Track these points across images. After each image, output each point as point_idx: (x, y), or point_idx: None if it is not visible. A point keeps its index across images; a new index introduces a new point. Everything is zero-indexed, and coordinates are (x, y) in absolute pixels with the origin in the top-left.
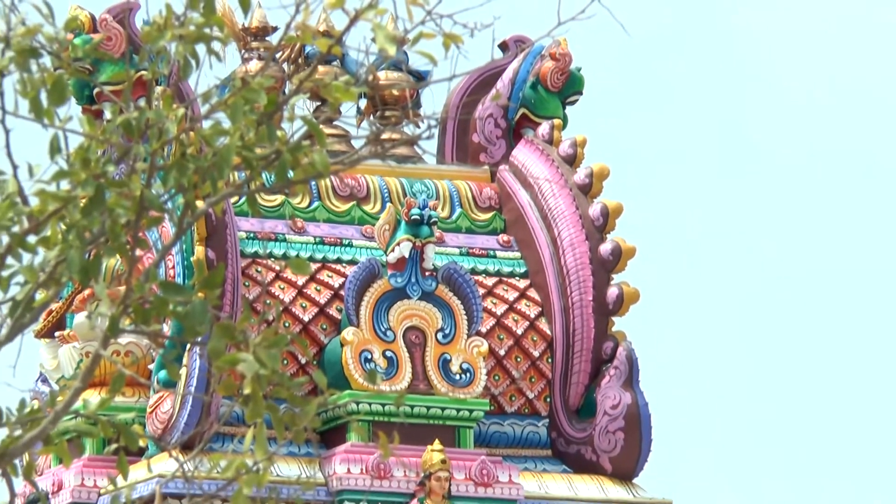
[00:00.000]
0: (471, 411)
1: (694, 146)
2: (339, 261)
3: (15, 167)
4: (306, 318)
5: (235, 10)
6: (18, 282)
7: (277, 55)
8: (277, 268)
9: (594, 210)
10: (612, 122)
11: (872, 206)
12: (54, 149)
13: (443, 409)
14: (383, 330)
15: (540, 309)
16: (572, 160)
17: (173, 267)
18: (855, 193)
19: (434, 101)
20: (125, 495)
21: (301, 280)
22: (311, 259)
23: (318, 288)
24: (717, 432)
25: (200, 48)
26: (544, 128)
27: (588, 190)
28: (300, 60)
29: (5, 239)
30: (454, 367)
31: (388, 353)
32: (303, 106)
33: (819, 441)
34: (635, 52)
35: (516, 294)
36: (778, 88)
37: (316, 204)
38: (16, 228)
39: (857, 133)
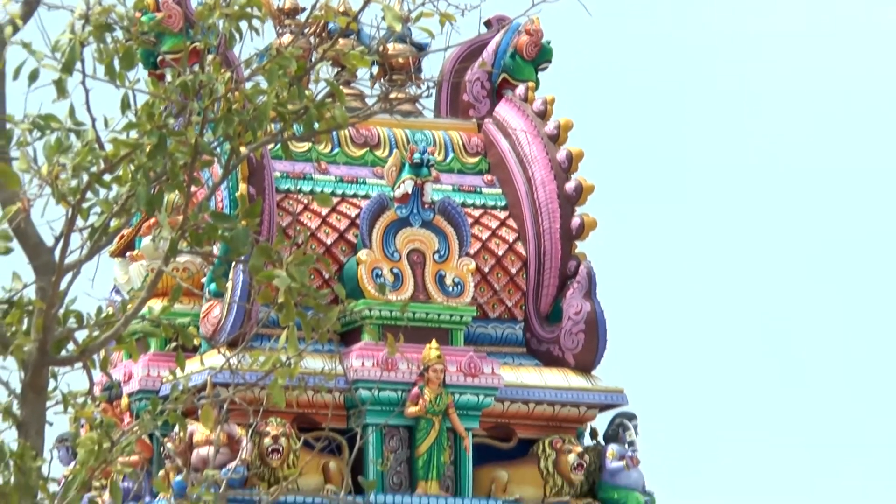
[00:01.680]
0: (461, 317)
1: (646, 100)
2: (355, 196)
3: (93, 119)
4: (328, 242)
5: None
6: (96, 212)
7: (305, 30)
8: (305, 201)
9: (561, 155)
10: (575, 85)
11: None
12: (125, 105)
13: (438, 314)
14: (391, 251)
15: (517, 235)
16: (543, 115)
17: (221, 200)
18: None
19: (432, 67)
20: (182, 384)
21: (324, 211)
22: (333, 194)
23: (338, 217)
24: (661, 335)
25: (243, 24)
26: (521, 89)
27: (556, 139)
28: (324, 34)
29: (86, 177)
30: (448, 281)
31: (395, 270)
32: (326, 71)
33: (747, 337)
34: (596, 27)
35: (497, 223)
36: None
37: (336, 150)
38: (94, 169)
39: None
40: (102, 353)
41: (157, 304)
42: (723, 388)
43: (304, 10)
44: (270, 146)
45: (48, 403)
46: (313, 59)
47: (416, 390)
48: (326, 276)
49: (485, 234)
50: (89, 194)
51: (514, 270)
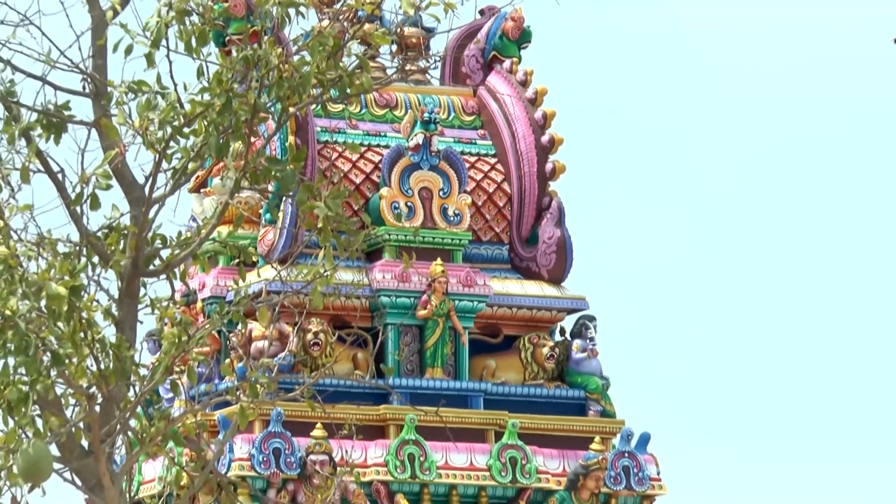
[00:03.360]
0: (460, 240)
1: (607, 72)
2: (378, 146)
3: (175, 85)
4: (357, 181)
5: None
6: (177, 157)
7: (340, 16)
8: (339, 149)
9: (538, 115)
10: (550, 59)
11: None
12: (199, 73)
13: (442, 238)
14: (405, 189)
15: (503, 176)
16: (524, 83)
17: (275, 148)
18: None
19: (437, 45)
20: (243, 291)
21: (354, 157)
22: (361, 144)
23: (365, 162)
24: (619, 253)
25: (291, 11)
26: (507, 63)
27: (534, 102)
28: (354, 19)
29: (169, 130)
30: (449, 213)
31: (409, 204)
32: (355, 48)
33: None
34: (567, 14)
35: (488, 167)
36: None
37: (363, 110)
38: (175, 123)
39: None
40: (182, 267)
41: (224, 230)
42: (669, 295)
43: (339, 0)
44: (312, 106)
45: (139, 306)
46: (346, 39)
47: (425, 297)
48: (356, 207)
49: (478, 176)
50: (172, 143)
51: (501, 204)
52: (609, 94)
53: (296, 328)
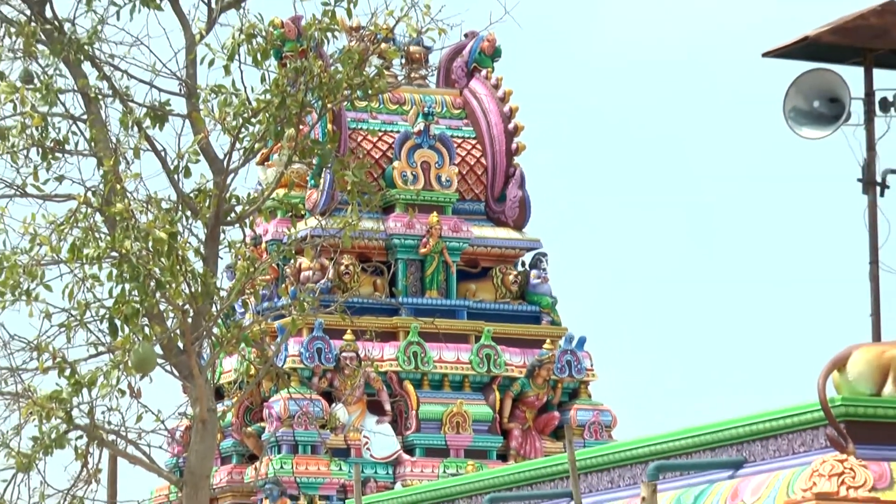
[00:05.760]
0: (450, 199)
1: (561, 81)
2: (391, 131)
3: (245, 87)
4: (377, 156)
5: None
6: (247, 139)
7: (364, 37)
8: (363, 134)
9: (506, 109)
10: (515, 70)
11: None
12: (262, 79)
13: (437, 198)
14: (411, 162)
15: (481, 153)
16: (497, 86)
17: (317, 132)
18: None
19: (434, 59)
20: (295, 235)
21: (374, 139)
22: (379, 130)
23: (382, 143)
24: (567, 207)
25: (329, 34)
26: (484, 72)
27: (504, 100)
28: (374, 39)
29: (241, 120)
30: (442, 179)
31: (413, 173)
32: (374, 60)
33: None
34: (530, 37)
35: (470, 146)
36: None
37: (381, 106)
38: (245, 115)
39: None
40: (251, 218)
41: (281, 192)
42: (605, 235)
43: (362, 26)
44: (344, 103)
45: (220, 247)
46: (368, 54)
47: (425, 240)
48: (375, 175)
49: (463, 153)
50: (243, 130)
51: (479, 173)
52: (560, 93)
53: (332, 262)
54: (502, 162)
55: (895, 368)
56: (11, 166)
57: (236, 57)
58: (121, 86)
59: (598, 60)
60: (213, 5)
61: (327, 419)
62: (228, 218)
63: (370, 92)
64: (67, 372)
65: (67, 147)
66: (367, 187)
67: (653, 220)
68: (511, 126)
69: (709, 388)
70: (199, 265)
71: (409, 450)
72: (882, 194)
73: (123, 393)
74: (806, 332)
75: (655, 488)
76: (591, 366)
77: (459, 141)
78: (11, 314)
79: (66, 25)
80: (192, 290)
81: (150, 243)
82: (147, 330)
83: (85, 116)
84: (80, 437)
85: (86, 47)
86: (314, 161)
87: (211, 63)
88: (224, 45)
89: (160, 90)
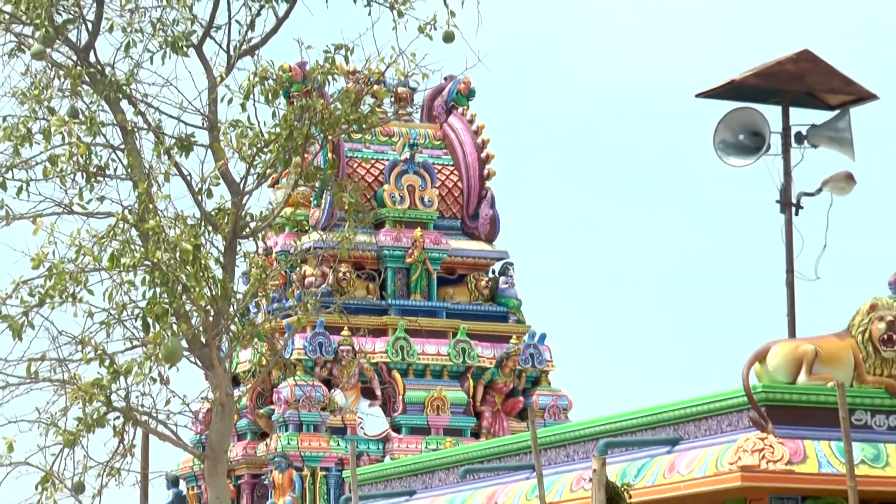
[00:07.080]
0: (431, 216)
1: (527, 116)
2: (382, 159)
3: (258, 122)
4: (370, 180)
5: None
6: (260, 166)
7: (359, 79)
8: (358, 161)
9: (479, 141)
10: (487, 109)
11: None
12: (273, 115)
13: (421, 215)
14: (399, 185)
15: (458, 177)
16: (471, 121)
17: (319, 160)
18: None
19: (419, 98)
20: (300, 246)
21: (368, 165)
22: (372, 158)
23: (374, 169)
24: (531, 225)
25: (330, 77)
26: (460, 110)
27: (477, 133)
28: (368, 81)
29: (255, 149)
30: (426, 200)
31: (400, 195)
32: (368, 99)
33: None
34: (499, 79)
35: (449, 172)
36: None
37: (373, 137)
38: (258, 146)
39: None
40: (263, 233)
41: (289, 210)
42: (566, 249)
43: (358, 71)
44: (343, 136)
45: (236, 257)
46: (363, 94)
47: (410, 251)
48: (368, 196)
49: (443, 177)
50: (256, 158)
51: (456, 195)
52: (525, 127)
53: (332, 270)
54: (476, 185)
55: (808, 361)
56: (60, 188)
57: (251, 96)
58: (153, 120)
59: (559, 98)
60: (232, 52)
61: (327, 402)
62: (244, 232)
63: (364, 126)
64: (107, 363)
65: (108, 172)
66: (361, 207)
67: (604, 235)
68: (483, 155)
69: (650, 377)
70: (219, 272)
71: (396, 428)
72: (797, 214)
73: (154, 380)
74: (732, 329)
75: (605, 462)
76: (551, 358)
77: (440, 167)
78: (59, 313)
79: (107, 69)
80: (213, 293)
81: (178, 254)
82: (175, 327)
83: (123, 146)
84: (118, 417)
85: (124, 87)
86: (317, 184)
87: (230, 101)
88: (241, 86)
89: (186, 124)
